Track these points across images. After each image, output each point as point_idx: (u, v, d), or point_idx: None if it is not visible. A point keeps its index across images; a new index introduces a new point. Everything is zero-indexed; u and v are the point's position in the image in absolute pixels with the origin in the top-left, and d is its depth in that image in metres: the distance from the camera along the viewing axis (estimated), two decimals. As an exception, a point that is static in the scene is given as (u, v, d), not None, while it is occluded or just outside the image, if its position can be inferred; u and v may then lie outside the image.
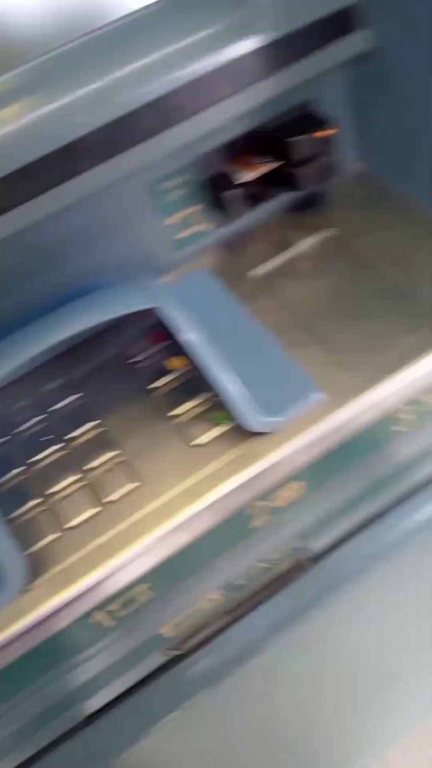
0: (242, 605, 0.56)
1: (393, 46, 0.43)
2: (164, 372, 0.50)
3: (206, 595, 0.52)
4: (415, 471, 0.56)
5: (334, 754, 1.05)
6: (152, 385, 0.49)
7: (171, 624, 0.51)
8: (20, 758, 0.51)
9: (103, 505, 0.44)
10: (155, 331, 0.52)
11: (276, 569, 0.55)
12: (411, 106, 0.45)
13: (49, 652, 0.44)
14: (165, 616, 0.50)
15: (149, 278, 0.47)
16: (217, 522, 0.45)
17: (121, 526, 0.43)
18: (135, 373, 0.50)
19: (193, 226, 0.53)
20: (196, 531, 0.44)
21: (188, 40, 0.39)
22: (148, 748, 0.63)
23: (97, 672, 0.50)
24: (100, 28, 0.40)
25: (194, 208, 0.52)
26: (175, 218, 0.52)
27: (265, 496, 0.46)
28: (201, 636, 0.56)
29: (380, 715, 1.10)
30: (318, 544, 0.56)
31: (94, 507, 0.44)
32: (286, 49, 0.41)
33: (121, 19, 0.40)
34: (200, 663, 0.63)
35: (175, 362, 0.50)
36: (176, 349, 0.50)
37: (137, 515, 0.43)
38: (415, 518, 0.66)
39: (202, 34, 0.40)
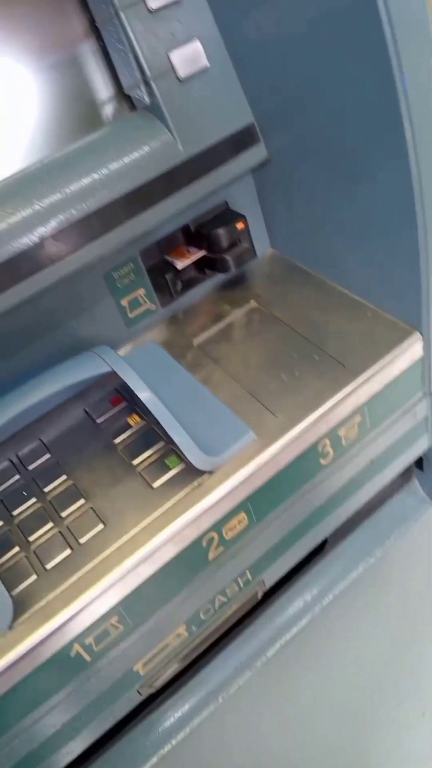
0: (207, 640, 0.61)
1: (283, 154, 0.56)
2: (125, 428, 0.58)
3: (174, 630, 0.57)
4: (347, 503, 0.63)
5: None
6: (116, 440, 0.57)
7: (143, 660, 0.56)
8: None
9: (75, 547, 0.50)
10: (115, 395, 0.61)
11: (234, 603, 0.60)
12: (303, 201, 0.57)
13: (30, 688, 0.48)
14: (137, 651, 0.55)
15: (107, 350, 0.55)
16: (177, 553, 0.51)
17: (91, 564, 0.49)
18: (101, 431, 0.58)
19: (143, 306, 0.63)
20: (159, 562, 0.50)
21: (121, 162, 0.50)
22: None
23: (78, 711, 0.54)
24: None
25: (142, 291, 0.62)
26: (127, 300, 0.62)
27: (216, 527, 0.53)
28: (172, 672, 0.60)
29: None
30: (270, 576, 0.62)
31: (67, 550, 0.50)
32: (200, 165, 0.53)
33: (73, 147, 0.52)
34: (176, 704, 0.67)
35: (134, 419, 0.58)
36: (134, 408, 0.59)
37: (105, 553, 0.50)
38: (354, 552, 0.72)
39: (133, 155, 0.51)
